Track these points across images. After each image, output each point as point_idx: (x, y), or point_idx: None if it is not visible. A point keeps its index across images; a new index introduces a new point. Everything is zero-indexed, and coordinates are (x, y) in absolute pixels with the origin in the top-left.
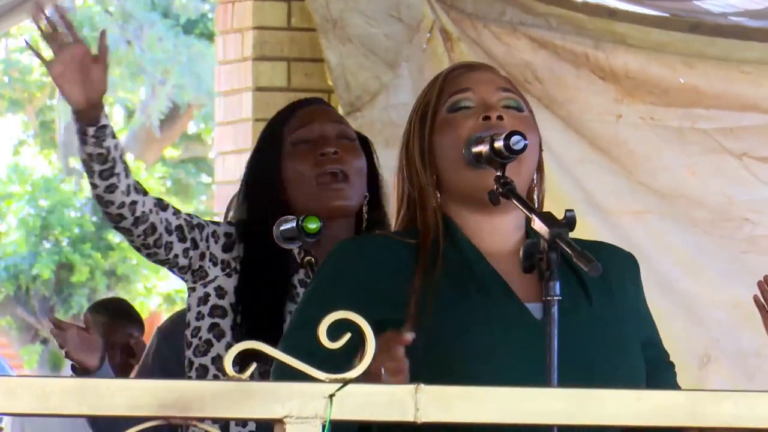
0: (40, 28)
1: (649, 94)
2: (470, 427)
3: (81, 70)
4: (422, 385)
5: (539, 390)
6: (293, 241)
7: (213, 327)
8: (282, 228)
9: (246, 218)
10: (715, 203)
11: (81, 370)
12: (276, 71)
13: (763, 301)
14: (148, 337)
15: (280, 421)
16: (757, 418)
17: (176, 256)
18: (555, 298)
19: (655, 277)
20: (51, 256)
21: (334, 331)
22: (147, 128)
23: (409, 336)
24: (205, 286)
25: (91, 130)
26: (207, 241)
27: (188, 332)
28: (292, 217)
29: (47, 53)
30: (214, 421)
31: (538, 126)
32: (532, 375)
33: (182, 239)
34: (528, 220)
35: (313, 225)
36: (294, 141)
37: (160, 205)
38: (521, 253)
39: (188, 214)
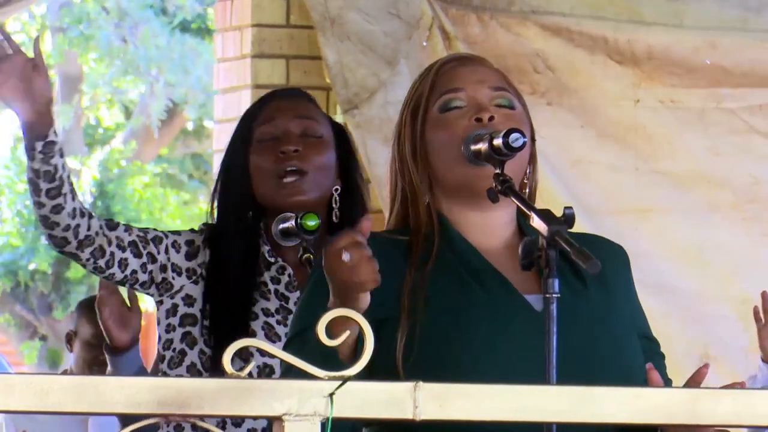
0: None
1: (671, 75)
2: (469, 425)
3: (24, 79)
4: (421, 383)
5: (538, 387)
6: (292, 239)
7: (185, 336)
8: (281, 225)
9: (217, 216)
10: (740, 184)
11: (110, 347)
12: (275, 69)
13: (762, 313)
14: (144, 338)
15: (278, 419)
16: (757, 416)
17: (134, 272)
18: (554, 295)
19: (651, 280)
20: (49, 251)
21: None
22: (146, 127)
23: (366, 223)
24: (172, 297)
25: (38, 145)
26: (167, 252)
27: (160, 346)
28: (291, 214)
29: None
30: (213, 418)
31: (537, 126)
32: (534, 367)
33: (137, 254)
34: (520, 215)
35: (311, 222)
36: (259, 137)
37: (109, 225)
38: (520, 250)
39: (142, 229)
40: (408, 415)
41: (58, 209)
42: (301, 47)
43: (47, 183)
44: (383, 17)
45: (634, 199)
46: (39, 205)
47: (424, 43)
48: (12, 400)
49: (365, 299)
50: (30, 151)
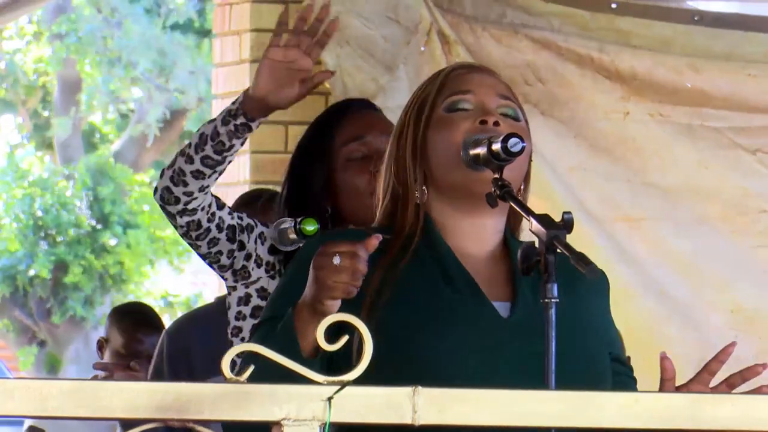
0: (301, 17)
1: (656, 94)
2: (468, 430)
3: (288, 74)
4: (420, 388)
5: (537, 392)
6: (291, 244)
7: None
8: (280, 230)
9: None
10: (729, 196)
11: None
12: None
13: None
14: None
15: (277, 424)
16: (756, 421)
17: (219, 253)
18: (553, 300)
19: (650, 284)
20: (47, 257)
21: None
22: (144, 132)
23: (374, 240)
24: (246, 287)
25: (240, 119)
26: (255, 242)
27: (229, 330)
28: (290, 219)
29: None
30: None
31: (532, 133)
32: (496, 372)
33: (231, 239)
34: (507, 226)
35: (311, 227)
36: (348, 156)
37: (217, 203)
38: (519, 255)
39: (240, 215)
40: (407, 420)
41: (200, 176)
42: None
43: (213, 151)
44: (382, 22)
45: (628, 207)
46: (188, 160)
47: (422, 48)
48: (11, 405)
49: (334, 306)
50: (228, 116)
